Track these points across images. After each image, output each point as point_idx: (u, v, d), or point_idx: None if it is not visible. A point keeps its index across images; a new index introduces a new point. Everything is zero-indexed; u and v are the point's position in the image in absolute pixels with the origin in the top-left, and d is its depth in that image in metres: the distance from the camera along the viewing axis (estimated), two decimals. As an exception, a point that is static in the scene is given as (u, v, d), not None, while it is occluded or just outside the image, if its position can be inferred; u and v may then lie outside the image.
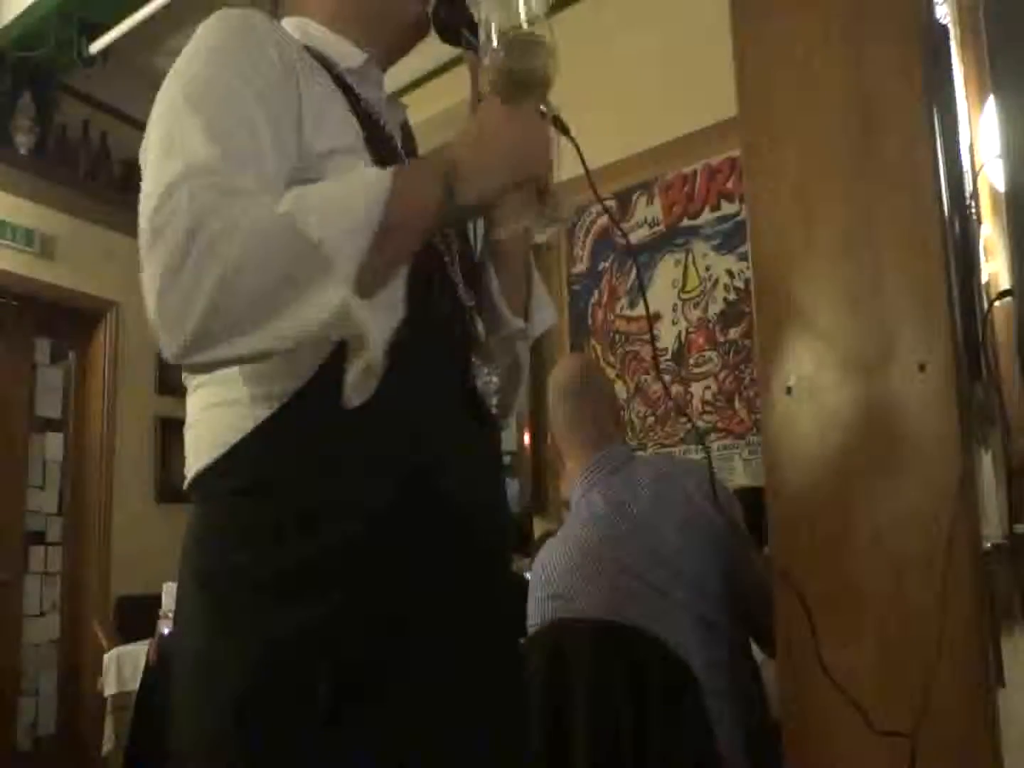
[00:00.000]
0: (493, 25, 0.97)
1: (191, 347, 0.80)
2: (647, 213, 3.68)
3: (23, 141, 4.39)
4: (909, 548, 1.50)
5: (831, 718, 1.52)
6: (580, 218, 3.86)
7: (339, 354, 0.85)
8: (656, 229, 3.65)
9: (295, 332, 0.79)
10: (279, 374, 0.92)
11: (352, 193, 0.84)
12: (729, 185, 3.44)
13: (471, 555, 0.99)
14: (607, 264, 3.77)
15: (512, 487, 3.91)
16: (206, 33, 0.98)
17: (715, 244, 3.48)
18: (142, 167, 0.92)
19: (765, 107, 1.75)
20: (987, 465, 1.74)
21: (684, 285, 3.55)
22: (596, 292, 3.78)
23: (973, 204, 1.76)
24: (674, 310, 3.56)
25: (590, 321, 3.78)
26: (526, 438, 3.84)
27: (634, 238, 3.71)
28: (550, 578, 1.91)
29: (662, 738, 1.62)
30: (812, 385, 1.64)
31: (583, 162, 1.02)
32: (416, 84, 4.06)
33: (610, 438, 2.00)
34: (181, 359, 0.82)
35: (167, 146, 0.87)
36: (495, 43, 0.96)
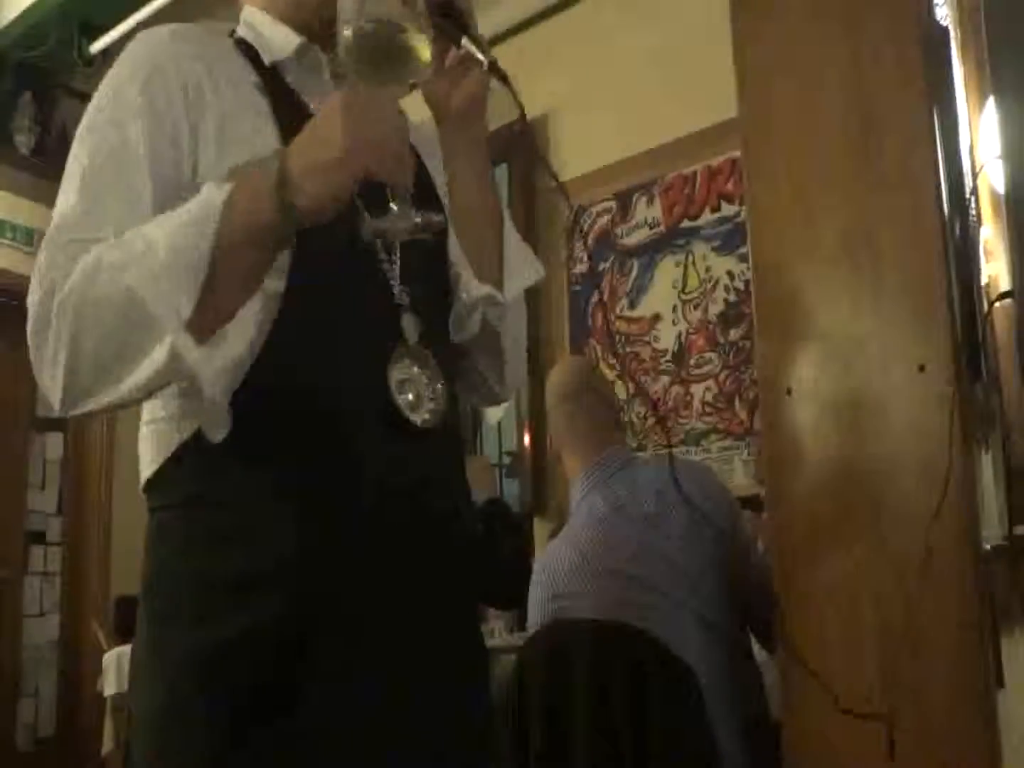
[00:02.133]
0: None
1: (67, 404, 0.86)
2: (647, 214, 3.68)
3: (23, 141, 4.39)
4: (909, 548, 1.50)
5: (830, 718, 1.51)
6: (580, 219, 3.86)
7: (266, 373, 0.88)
8: (656, 230, 3.64)
9: (141, 385, 0.82)
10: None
11: (180, 232, 0.81)
12: (729, 186, 3.44)
13: (412, 560, 0.94)
14: (607, 264, 3.77)
15: (512, 487, 3.91)
16: (115, 67, 0.99)
17: (715, 245, 3.47)
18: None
19: (765, 107, 1.75)
20: (987, 466, 1.74)
21: (684, 286, 3.55)
22: (596, 293, 3.78)
23: (973, 205, 1.76)
24: (674, 311, 3.56)
25: (590, 321, 3.78)
26: (526, 438, 3.83)
27: (634, 239, 3.71)
28: (551, 579, 1.91)
29: (662, 738, 1.62)
30: (812, 385, 1.64)
31: (521, 110, 0.97)
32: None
33: (609, 441, 2.00)
34: (65, 413, 0.87)
35: (61, 187, 0.92)
36: (346, 12, 0.84)
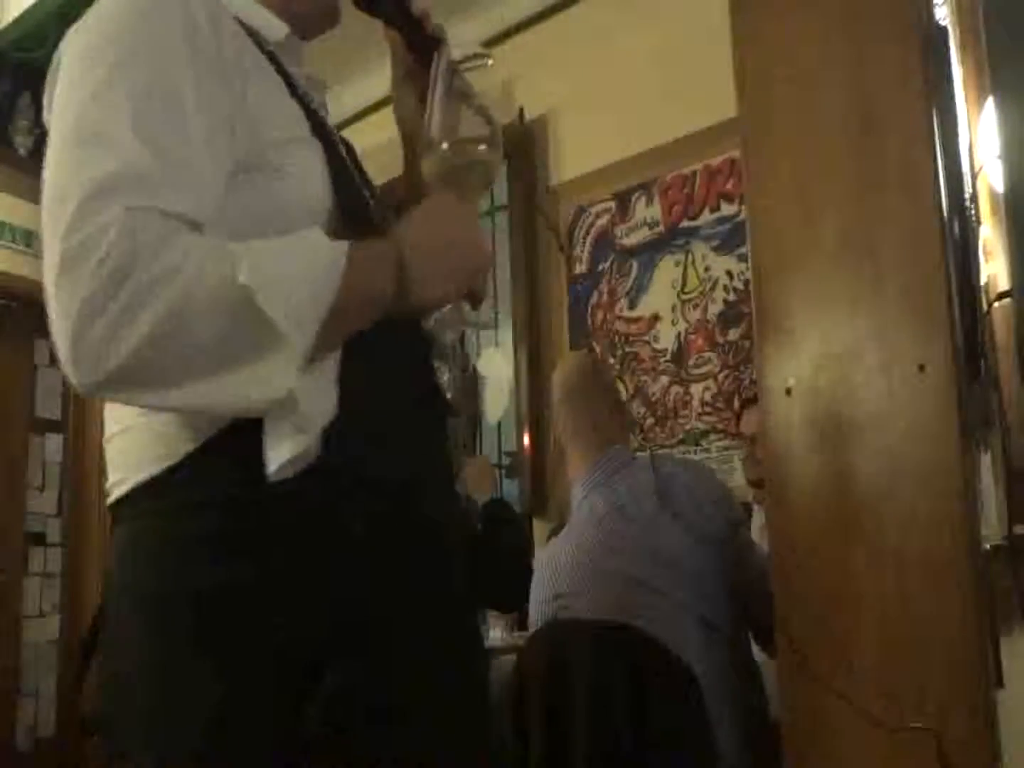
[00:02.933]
0: (438, 120, 0.94)
1: (103, 386, 0.76)
2: (647, 214, 3.68)
3: (22, 142, 4.39)
4: (909, 548, 1.50)
5: (830, 718, 1.52)
6: (580, 219, 3.86)
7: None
8: (656, 230, 3.64)
9: (228, 403, 0.78)
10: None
11: (308, 271, 0.78)
12: (729, 186, 3.44)
13: (432, 565, 0.95)
14: (607, 265, 3.77)
15: (512, 487, 3.91)
16: (130, 5, 0.86)
17: (715, 245, 3.47)
18: (49, 143, 0.83)
19: (765, 107, 1.75)
20: (986, 466, 1.74)
21: (684, 286, 3.55)
22: (596, 293, 3.78)
23: (972, 205, 1.76)
24: (673, 311, 3.56)
25: (590, 321, 3.78)
26: (526, 439, 3.83)
27: (634, 239, 3.71)
28: (552, 577, 1.91)
29: (662, 739, 1.62)
30: (812, 385, 1.64)
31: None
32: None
33: (613, 440, 2.00)
34: (89, 393, 0.77)
35: (86, 132, 0.79)
36: (441, 141, 0.93)
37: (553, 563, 1.93)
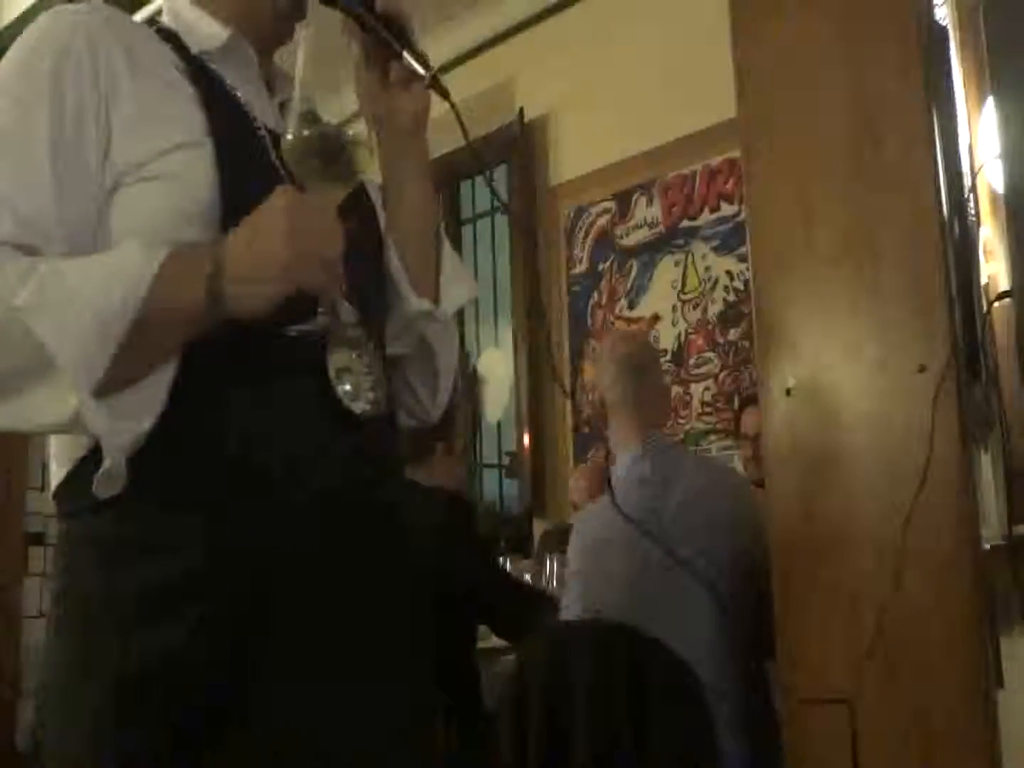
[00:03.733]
0: (295, 97, 0.88)
1: None
2: (647, 214, 3.68)
3: (23, 142, 4.40)
4: (909, 548, 1.50)
5: (830, 718, 1.52)
6: (580, 219, 3.87)
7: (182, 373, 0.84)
8: (656, 230, 3.64)
9: (16, 425, 0.81)
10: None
11: (101, 289, 0.79)
12: (729, 186, 3.44)
13: (346, 554, 0.91)
14: (606, 265, 3.77)
15: (511, 487, 3.91)
16: (24, 39, 0.93)
17: (715, 245, 3.47)
18: None
19: (765, 107, 1.75)
20: (987, 466, 1.74)
21: (684, 286, 3.55)
22: (596, 293, 3.78)
23: (972, 205, 1.76)
24: (674, 311, 3.56)
25: (590, 322, 3.78)
26: (526, 439, 3.83)
27: (634, 239, 3.71)
28: (593, 527, 1.98)
29: (662, 739, 1.62)
30: (812, 385, 1.64)
31: (463, 129, 0.96)
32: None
33: (658, 422, 2.11)
34: None
35: None
36: (292, 118, 0.87)
37: (597, 514, 2.00)
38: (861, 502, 1.57)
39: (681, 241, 3.56)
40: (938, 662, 1.45)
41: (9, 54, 0.93)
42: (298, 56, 0.90)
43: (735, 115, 1.81)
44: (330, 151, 0.87)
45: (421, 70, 0.95)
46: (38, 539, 4.57)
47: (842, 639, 1.55)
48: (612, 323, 3.72)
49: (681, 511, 1.92)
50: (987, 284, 1.77)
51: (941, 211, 1.57)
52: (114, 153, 0.89)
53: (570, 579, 2.01)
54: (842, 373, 1.61)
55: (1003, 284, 1.68)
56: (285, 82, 1.04)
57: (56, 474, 0.91)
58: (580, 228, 3.87)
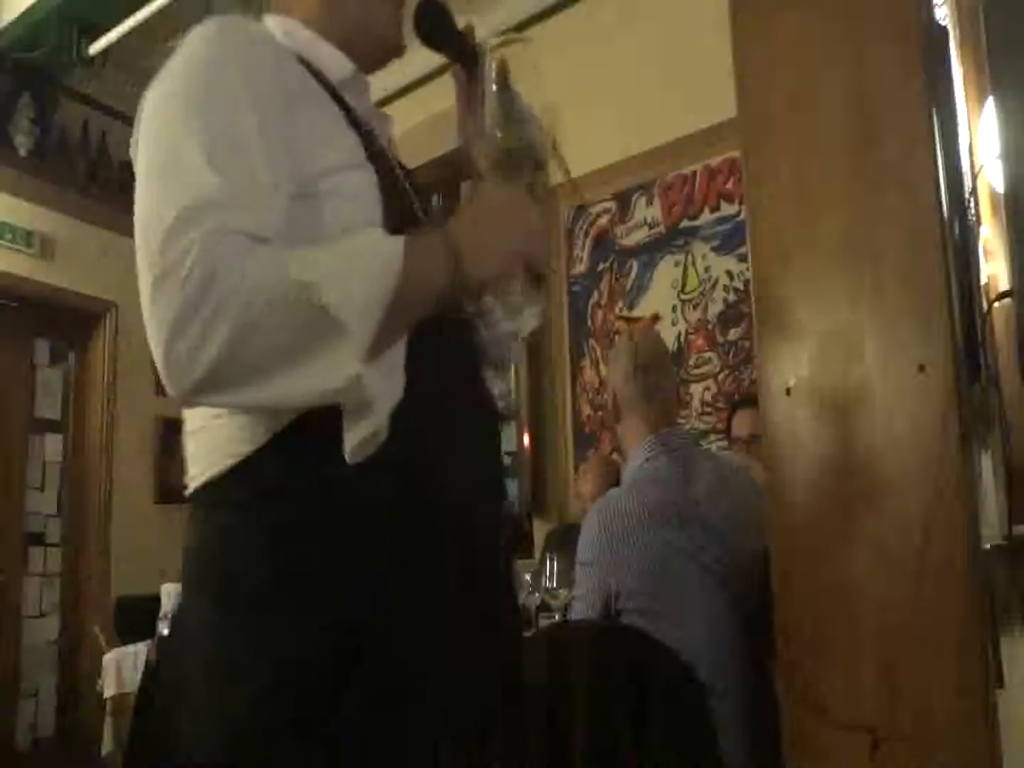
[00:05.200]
0: (493, 104, 1.01)
1: (195, 392, 0.84)
2: (647, 214, 3.68)
3: (22, 142, 4.39)
4: (909, 548, 1.50)
5: (830, 718, 1.52)
6: (580, 219, 3.86)
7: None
8: (656, 230, 3.65)
9: (302, 395, 0.85)
10: None
11: (366, 265, 0.86)
12: (729, 186, 3.44)
13: (472, 554, 1.00)
14: (606, 265, 3.77)
15: (512, 487, 3.91)
16: (203, 43, 0.97)
17: (715, 245, 3.48)
18: (136, 176, 0.94)
19: (765, 107, 1.75)
20: (987, 466, 1.74)
21: (684, 286, 3.55)
22: (596, 292, 3.78)
23: (972, 205, 1.76)
24: (674, 311, 3.56)
25: (590, 322, 3.79)
26: (526, 439, 3.83)
27: (634, 239, 3.71)
28: (611, 520, 1.98)
29: (662, 739, 1.62)
30: (812, 385, 1.64)
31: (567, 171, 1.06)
32: (405, 91, 4.06)
33: (670, 419, 2.12)
34: (184, 400, 0.87)
35: (167, 167, 0.90)
36: (492, 122, 1.00)
37: (614, 507, 2.00)
38: (861, 502, 1.57)
39: (681, 241, 3.57)
40: (938, 662, 1.45)
41: (181, 68, 0.96)
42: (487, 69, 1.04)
43: (735, 115, 1.80)
44: (526, 159, 1.01)
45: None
46: (38, 539, 4.57)
47: (842, 639, 1.55)
48: (612, 323, 3.72)
49: (699, 508, 1.94)
50: (987, 284, 1.77)
51: (941, 211, 1.57)
52: (296, 158, 0.95)
53: (581, 570, 2.01)
54: (842, 373, 1.61)
55: (1003, 284, 1.68)
56: (382, 116, 1.17)
57: (209, 468, 0.97)
58: (580, 228, 3.87)
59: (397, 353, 0.88)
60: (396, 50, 1.17)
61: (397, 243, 0.87)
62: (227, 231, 0.85)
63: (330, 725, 0.89)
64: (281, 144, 0.93)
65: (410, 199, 1.09)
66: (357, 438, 0.85)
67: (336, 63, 1.09)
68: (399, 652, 0.92)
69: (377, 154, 1.04)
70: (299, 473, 0.92)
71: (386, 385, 0.86)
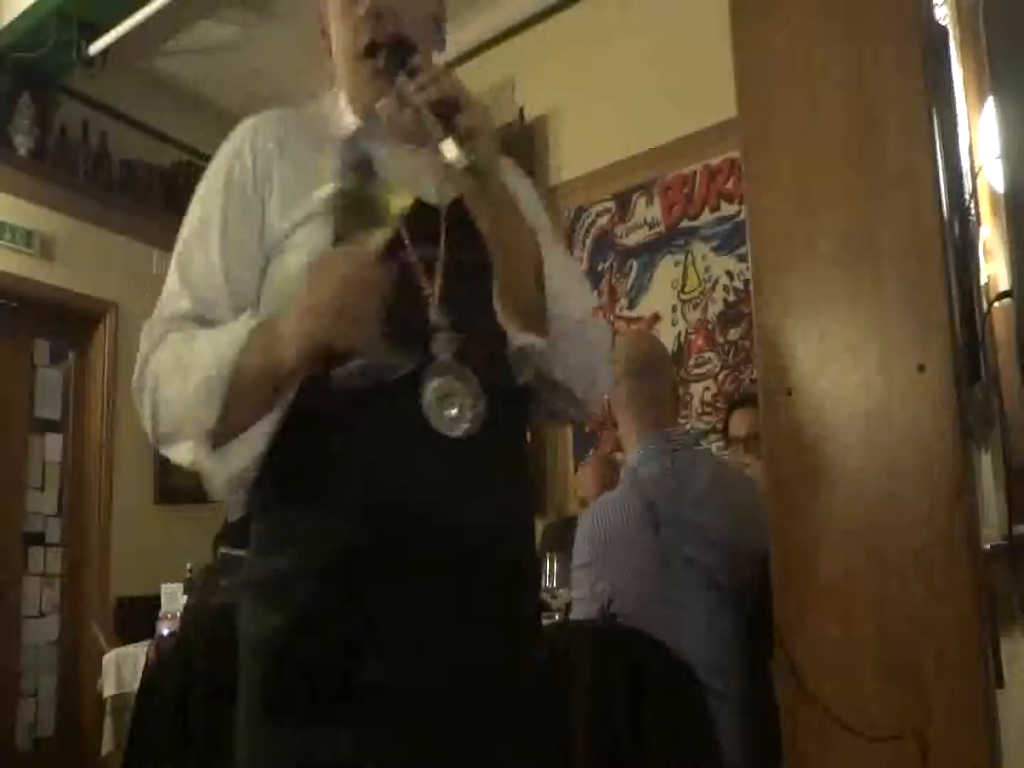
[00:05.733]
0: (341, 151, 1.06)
1: (156, 444, 1.08)
2: (647, 214, 3.68)
3: (23, 142, 4.38)
4: (909, 548, 1.50)
5: (830, 718, 1.51)
6: (580, 219, 3.87)
7: (309, 393, 1.02)
8: (656, 230, 3.65)
9: (183, 464, 1.05)
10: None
11: (205, 364, 1.01)
12: (729, 186, 3.44)
13: (445, 577, 1.02)
14: (606, 265, 3.77)
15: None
16: (219, 152, 1.16)
17: (715, 245, 3.48)
18: None
19: (765, 107, 1.75)
20: (986, 465, 1.74)
21: (684, 286, 3.55)
22: (596, 293, 3.78)
23: (972, 205, 1.76)
24: (673, 311, 3.57)
25: (590, 322, 3.78)
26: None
27: (634, 239, 3.72)
28: (607, 521, 1.99)
29: (662, 739, 1.62)
30: (812, 385, 1.64)
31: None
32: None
33: (669, 421, 2.11)
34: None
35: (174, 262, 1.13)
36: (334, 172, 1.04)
37: (612, 508, 2.01)
38: (861, 502, 1.57)
39: (681, 241, 3.57)
40: (938, 662, 1.45)
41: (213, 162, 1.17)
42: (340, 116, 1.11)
43: (735, 115, 1.80)
44: (361, 200, 1.01)
45: (455, 162, 0.98)
46: (38, 539, 4.57)
47: (842, 639, 1.55)
48: (612, 323, 3.72)
49: (693, 509, 1.94)
50: (987, 284, 1.76)
51: (941, 211, 1.57)
52: (266, 231, 1.10)
53: (578, 572, 2.01)
54: (842, 373, 1.61)
55: (1003, 284, 1.68)
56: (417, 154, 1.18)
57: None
58: (580, 228, 3.87)
59: (259, 428, 1.02)
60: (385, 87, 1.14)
61: (239, 337, 1.00)
62: (163, 320, 1.08)
63: None
64: (250, 227, 1.09)
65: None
66: (212, 493, 1.04)
67: (344, 120, 1.18)
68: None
69: (352, 196, 1.06)
70: (271, 494, 1.09)
71: (228, 464, 1.02)
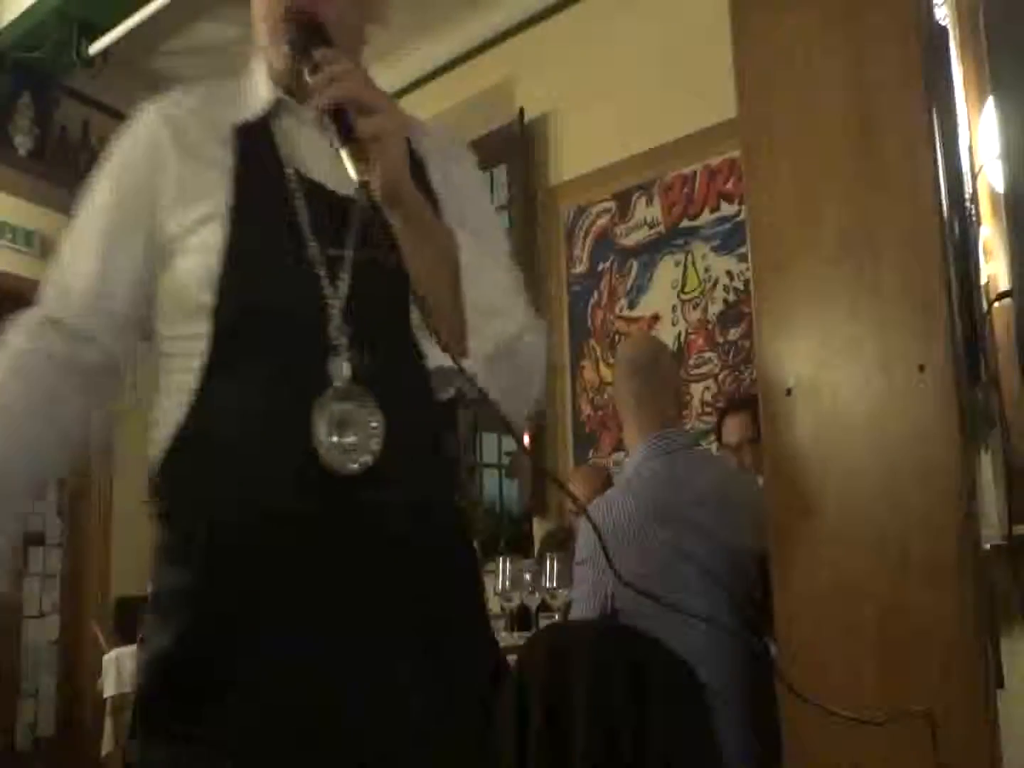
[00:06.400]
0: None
1: None
2: (647, 214, 3.68)
3: (23, 142, 4.38)
4: (909, 548, 1.50)
5: (829, 717, 1.51)
6: (580, 219, 3.87)
7: (196, 414, 1.04)
8: (656, 230, 3.65)
9: None
10: (158, 424, 1.13)
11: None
12: (729, 186, 3.44)
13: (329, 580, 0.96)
14: (606, 265, 3.77)
15: (511, 488, 3.91)
16: (116, 143, 1.10)
17: (715, 245, 3.48)
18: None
19: (765, 107, 1.75)
20: (987, 466, 1.74)
21: (684, 286, 3.55)
22: (596, 293, 3.78)
23: (972, 205, 1.76)
24: (673, 311, 3.56)
25: (590, 322, 3.79)
26: (526, 439, 3.83)
27: (634, 239, 3.71)
28: (609, 519, 1.98)
29: (662, 739, 1.62)
30: (812, 385, 1.64)
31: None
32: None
33: (672, 421, 2.11)
34: None
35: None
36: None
37: (614, 507, 2.01)
38: (861, 502, 1.57)
39: (681, 241, 3.57)
40: (938, 662, 1.45)
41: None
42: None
43: (735, 115, 1.81)
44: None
45: (352, 174, 0.89)
46: (38, 539, 4.57)
47: (842, 639, 1.55)
48: (612, 323, 3.72)
49: (693, 509, 1.94)
50: (987, 284, 1.76)
51: (941, 211, 1.57)
52: (157, 233, 1.03)
53: (578, 569, 2.01)
54: (842, 373, 1.61)
55: (1003, 284, 1.68)
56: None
57: None
58: (580, 228, 3.87)
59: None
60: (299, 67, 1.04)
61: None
62: (43, 321, 1.14)
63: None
64: (138, 230, 1.04)
65: (292, 230, 0.99)
66: None
67: (260, 95, 1.07)
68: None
69: (251, 195, 0.99)
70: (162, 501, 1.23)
71: None
